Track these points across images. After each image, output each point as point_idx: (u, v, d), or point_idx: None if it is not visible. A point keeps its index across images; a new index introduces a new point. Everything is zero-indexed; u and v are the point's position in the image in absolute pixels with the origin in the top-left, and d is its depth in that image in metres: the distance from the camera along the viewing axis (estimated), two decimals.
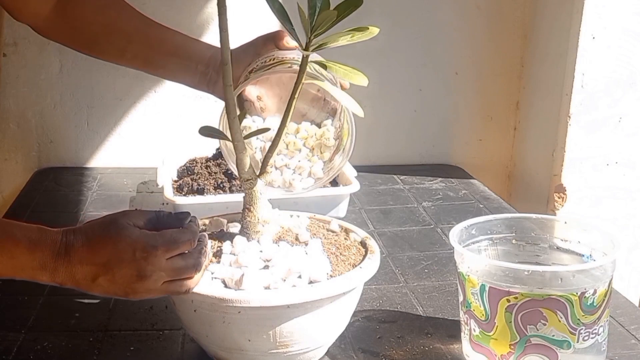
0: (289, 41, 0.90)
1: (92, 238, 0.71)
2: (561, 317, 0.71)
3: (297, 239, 0.81)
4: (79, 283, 0.71)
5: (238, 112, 0.76)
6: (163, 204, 1.25)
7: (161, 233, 0.71)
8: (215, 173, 1.20)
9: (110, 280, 0.70)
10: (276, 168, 0.88)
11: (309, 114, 0.91)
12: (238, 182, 1.18)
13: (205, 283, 0.73)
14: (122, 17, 0.96)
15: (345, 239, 0.83)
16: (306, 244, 0.79)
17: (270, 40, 0.91)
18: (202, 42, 0.98)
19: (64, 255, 0.70)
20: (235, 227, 0.83)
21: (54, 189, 1.37)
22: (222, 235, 0.82)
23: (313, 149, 0.88)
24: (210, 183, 1.19)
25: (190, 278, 0.72)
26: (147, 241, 0.70)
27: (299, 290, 0.72)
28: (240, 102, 0.93)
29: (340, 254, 0.79)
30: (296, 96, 0.77)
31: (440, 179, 1.47)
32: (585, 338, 0.73)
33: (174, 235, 0.71)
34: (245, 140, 0.79)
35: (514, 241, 0.85)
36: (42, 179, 1.42)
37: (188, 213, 0.76)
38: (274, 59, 0.87)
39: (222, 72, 0.74)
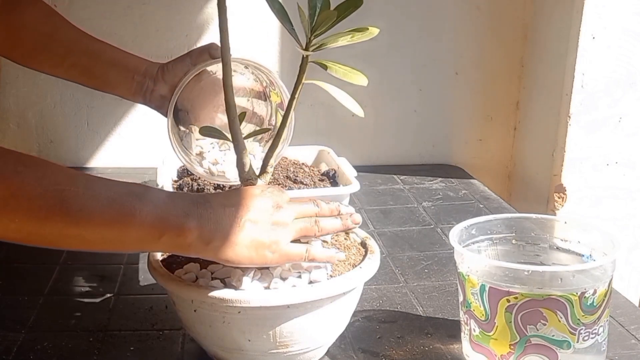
0: (218, 51, 0.93)
1: (221, 194, 0.73)
2: (561, 317, 0.71)
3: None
4: (226, 230, 0.68)
5: (238, 113, 0.76)
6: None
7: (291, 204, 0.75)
8: None
9: (253, 221, 0.69)
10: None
11: (256, 110, 0.98)
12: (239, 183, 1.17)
13: (205, 283, 0.73)
14: (63, 28, 0.99)
15: (345, 239, 0.83)
16: (306, 244, 0.79)
17: (205, 51, 0.96)
18: (137, 55, 1.00)
19: (203, 202, 0.69)
20: None
21: None
22: None
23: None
24: (210, 183, 1.18)
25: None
26: (269, 197, 0.73)
27: (299, 290, 0.72)
28: (175, 111, 0.97)
29: None
30: (296, 96, 0.77)
31: (440, 179, 1.47)
32: (585, 338, 0.73)
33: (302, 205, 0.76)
34: (208, 155, 0.83)
35: (514, 241, 0.85)
36: None
37: None
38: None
39: (222, 72, 0.74)
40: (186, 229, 0.67)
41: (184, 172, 1.23)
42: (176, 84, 0.93)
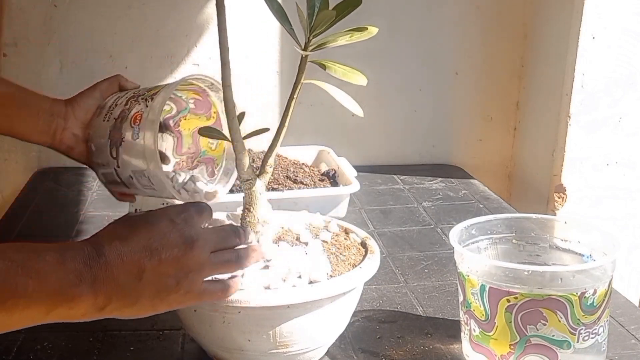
0: (129, 81, 0.91)
1: (120, 231, 0.63)
2: (561, 317, 0.71)
3: (297, 239, 0.81)
4: (123, 290, 0.61)
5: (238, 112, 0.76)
6: (163, 204, 1.25)
7: (183, 205, 0.69)
8: None
9: (157, 268, 0.62)
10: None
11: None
12: (238, 183, 1.18)
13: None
14: None
15: (345, 239, 0.83)
16: (306, 244, 0.79)
17: (114, 82, 0.91)
18: (37, 93, 0.90)
19: (97, 257, 0.60)
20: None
21: (54, 189, 1.37)
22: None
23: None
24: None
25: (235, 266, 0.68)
26: (178, 207, 0.67)
27: (299, 290, 0.72)
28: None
29: (340, 254, 0.79)
30: (295, 95, 0.77)
31: (440, 179, 1.47)
32: (585, 338, 0.73)
33: (202, 205, 0.69)
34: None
35: (514, 241, 0.85)
36: (42, 179, 1.42)
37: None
38: (134, 93, 0.87)
39: (221, 72, 0.74)
40: (78, 300, 0.59)
41: None
42: (88, 120, 0.87)
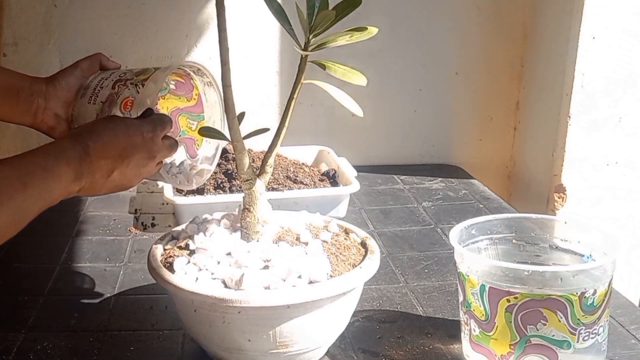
0: (110, 60, 0.92)
1: (103, 133, 0.75)
2: (561, 317, 0.71)
3: (297, 239, 0.81)
4: (94, 182, 0.74)
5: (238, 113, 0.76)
6: (163, 204, 1.25)
7: (151, 118, 0.80)
8: (215, 173, 1.20)
9: (123, 171, 0.77)
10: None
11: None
12: (238, 182, 1.18)
13: (205, 283, 0.73)
14: None
15: (345, 239, 0.83)
16: (306, 244, 0.79)
17: (96, 61, 0.91)
18: (15, 71, 0.90)
19: (85, 156, 0.72)
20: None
21: None
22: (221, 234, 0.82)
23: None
24: (210, 183, 1.19)
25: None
26: (149, 125, 0.79)
27: (299, 290, 0.72)
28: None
29: (340, 254, 0.79)
30: (295, 95, 0.77)
31: (440, 179, 1.47)
32: (585, 338, 0.73)
33: (162, 118, 0.81)
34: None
35: (514, 241, 0.85)
36: None
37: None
38: (120, 75, 0.87)
39: (221, 72, 0.74)
40: (70, 191, 0.72)
41: None
42: (70, 99, 0.87)
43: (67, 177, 0.71)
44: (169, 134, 0.83)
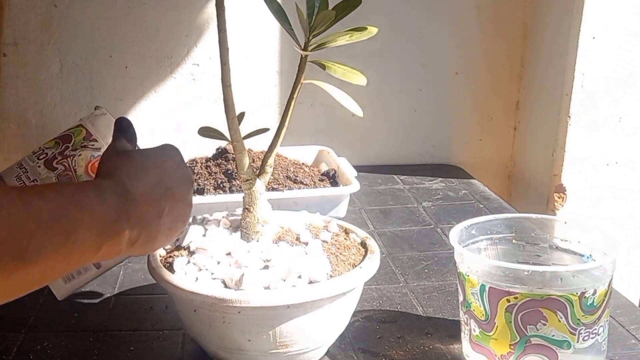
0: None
1: (131, 170, 0.65)
2: (561, 317, 0.71)
3: (297, 239, 0.81)
4: (149, 226, 0.63)
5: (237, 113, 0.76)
6: None
7: (163, 145, 0.73)
8: (215, 173, 1.20)
9: (174, 206, 0.66)
10: None
11: None
12: (238, 182, 1.18)
13: (205, 283, 0.73)
14: None
15: (345, 239, 0.83)
16: (306, 244, 0.79)
17: None
18: None
19: (125, 194, 0.61)
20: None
21: None
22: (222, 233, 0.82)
23: None
24: (210, 183, 1.19)
25: None
26: (166, 148, 0.71)
27: (299, 290, 0.72)
28: None
29: (340, 254, 0.79)
30: (295, 95, 0.77)
31: (440, 179, 1.47)
32: (585, 338, 0.73)
33: (166, 144, 0.73)
34: None
35: (514, 241, 0.85)
36: None
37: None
38: (39, 157, 0.85)
39: (221, 72, 0.74)
40: (120, 236, 0.60)
41: None
42: None
43: (103, 212, 0.57)
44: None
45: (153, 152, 0.70)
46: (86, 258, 0.57)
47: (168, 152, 0.71)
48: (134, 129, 0.75)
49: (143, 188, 0.64)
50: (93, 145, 0.86)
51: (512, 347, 0.73)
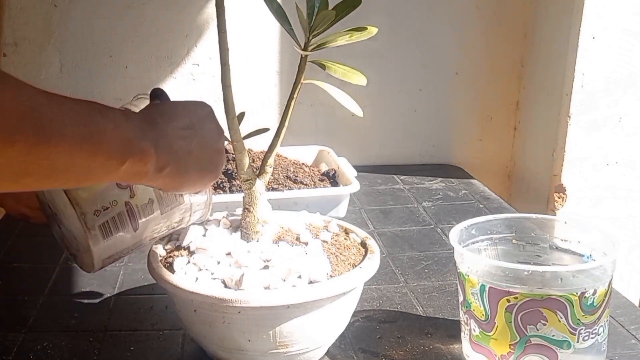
0: None
1: (162, 111, 0.66)
2: (561, 317, 0.71)
3: (297, 239, 0.81)
4: (177, 156, 0.64)
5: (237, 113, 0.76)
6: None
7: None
8: None
9: (202, 145, 0.67)
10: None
11: None
12: (238, 182, 1.18)
13: (205, 283, 0.73)
14: None
15: (345, 239, 0.83)
16: (306, 244, 0.79)
17: None
18: None
19: (153, 124, 0.62)
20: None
21: None
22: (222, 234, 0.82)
23: None
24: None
25: None
26: (200, 102, 0.72)
27: (299, 290, 0.72)
28: None
29: (340, 254, 0.79)
30: (295, 95, 0.77)
31: (440, 179, 1.47)
32: (585, 338, 0.73)
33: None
34: None
35: (514, 241, 0.85)
36: None
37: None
38: None
39: (221, 72, 0.74)
40: (147, 154, 0.60)
41: None
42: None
43: (129, 128, 0.59)
44: None
45: (184, 102, 0.71)
46: (112, 167, 0.58)
47: (199, 104, 0.72)
48: (167, 95, 0.76)
49: (171, 124, 0.65)
50: None
51: (512, 347, 0.73)
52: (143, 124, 0.61)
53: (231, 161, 1.23)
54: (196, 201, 0.82)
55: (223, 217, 0.85)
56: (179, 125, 0.66)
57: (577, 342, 0.72)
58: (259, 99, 1.51)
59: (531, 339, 0.72)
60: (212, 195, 0.84)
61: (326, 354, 0.81)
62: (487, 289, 0.74)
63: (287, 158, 1.31)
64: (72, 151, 0.54)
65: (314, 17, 0.73)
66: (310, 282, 0.73)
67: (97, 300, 0.94)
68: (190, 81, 1.48)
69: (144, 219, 0.77)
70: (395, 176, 1.48)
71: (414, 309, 0.93)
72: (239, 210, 0.82)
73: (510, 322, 0.73)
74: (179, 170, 0.65)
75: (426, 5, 1.51)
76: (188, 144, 0.66)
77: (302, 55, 0.75)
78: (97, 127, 0.56)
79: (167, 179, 0.64)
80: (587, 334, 0.72)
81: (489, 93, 1.58)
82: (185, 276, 0.75)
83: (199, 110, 0.71)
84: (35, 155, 0.51)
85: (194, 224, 0.83)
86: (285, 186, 1.20)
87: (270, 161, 0.80)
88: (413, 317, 0.91)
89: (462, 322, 0.79)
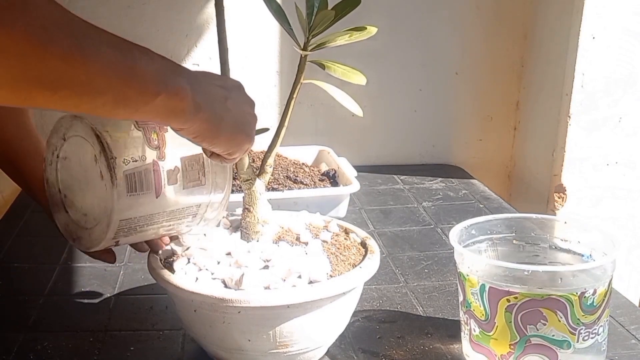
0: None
1: (193, 72, 0.65)
2: (561, 317, 0.71)
3: (297, 239, 0.81)
4: (213, 103, 0.64)
5: None
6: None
7: None
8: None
9: (236, 100, 0.68)
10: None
11: None
12: (238, 182, 1.18)
13: (205, 283, 0.73)
14: None
15: (345, 239, 0.83)
16: (306, 244, 0.79)
17: None
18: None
19: (186, 70, 0.63)
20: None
21: None
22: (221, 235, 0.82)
23: None
24: None
25: None
26: (233, 79, 0.72)
27: (299, 290, 0.72)
28: None
29: (340, 254, 0.79)
30: (295, 95, 0.77)
31: (440, 179, 1.47)
32: (585, 338, 0.73)
33: None
34: None
35: (514, 241, 0.85)
36: None
37: None
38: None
39: (221, 72, 0.74)
40: (182, 90, 0.60)
41: None
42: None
43: (164, 64, 0.59)
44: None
45: (217, 75, 0.71)
46: (147, 96, 0.57)
47: (231, 78, 0.72)
48: None
49: (206, 78, 0.65)
50: None
51: (512, 347, 0.73)
52: (178, 67, 0.62)
53: None
54: (215, 199, 0.80)
55: (223, 217, 0.85)
56: (214, 82, 0.66)
57: (577, 342, 0.72)
58: (258, 99, 1.49)
59: (531, 338, 0.72)
60: (229, 194, 0.81)
61: (326, 354, 0.81)
62: (487, 289, 0.74)
63: (287, 158, 1.31)
64: (106, 70, 0.54)
65: (313, 17, 0.73)
66: (310, 282, 0.73)
67: (97, 300, 0.94)
68: None
69: (167, 187, 0.75)
70: (395, 176, 1.48)
71: (414, 309, 0.93)
72: (239, 210, 0.82)
73: (510, 322, 0.73)
74: (215, 116, 0.64)
75: (426, 5, 1.51)
76: (223, 95, 0.66)
77: (301, 55, 0.75)
78: (131, 54, 0.56)
79: (203, 124, 0.63)
80: (587, 333, 0.72)
81: (489, 93, 1.58)
82: (186, 276, 0.75)
83: (230, 81, 0.71)
84: (71, 64, 0.51)
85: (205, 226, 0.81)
86: (285, 186, 1.20)
87: (270, 161, 0.80)
88: (413, 317, 0.91)
89: (462, 322, 0.79)
